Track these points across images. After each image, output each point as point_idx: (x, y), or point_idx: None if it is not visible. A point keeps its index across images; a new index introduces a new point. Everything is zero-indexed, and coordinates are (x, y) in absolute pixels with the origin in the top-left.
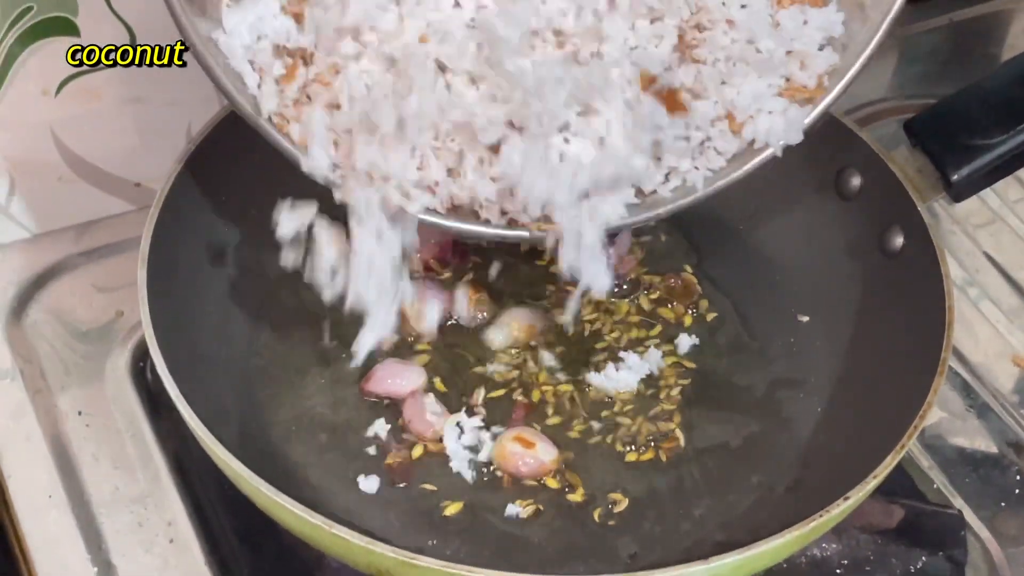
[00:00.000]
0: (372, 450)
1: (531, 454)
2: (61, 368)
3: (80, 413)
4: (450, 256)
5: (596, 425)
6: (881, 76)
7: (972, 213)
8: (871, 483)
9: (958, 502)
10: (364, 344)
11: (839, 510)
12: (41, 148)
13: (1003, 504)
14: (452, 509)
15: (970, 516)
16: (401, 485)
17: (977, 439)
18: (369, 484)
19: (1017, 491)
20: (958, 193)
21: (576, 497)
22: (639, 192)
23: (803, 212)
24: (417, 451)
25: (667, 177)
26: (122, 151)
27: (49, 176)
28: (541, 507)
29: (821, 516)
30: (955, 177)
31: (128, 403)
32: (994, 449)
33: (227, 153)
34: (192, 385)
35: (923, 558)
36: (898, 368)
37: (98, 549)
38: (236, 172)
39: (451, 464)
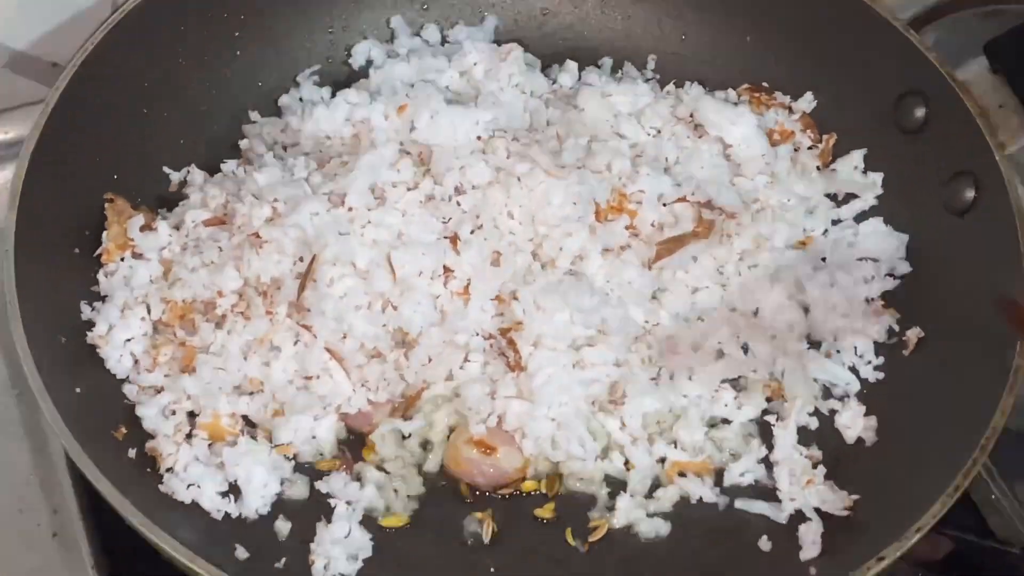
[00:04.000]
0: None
1: (491, 461)
2: None
3: None
4: None
5: None
6: None
7: None
8: (913, 539)
9: (1018, 517)
10: None
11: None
12: None
13: None
14: (392, 522)
15: None
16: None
17: None
18: (299, 490)
19: None
20: None
21: (545, 513)
22: None
23: (851, 143)
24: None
25: None
26: (36, 25)
27: None
28: (500, 525)
29: None
30: None
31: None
32: None
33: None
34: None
35: None
36: (955, 361)
37: None
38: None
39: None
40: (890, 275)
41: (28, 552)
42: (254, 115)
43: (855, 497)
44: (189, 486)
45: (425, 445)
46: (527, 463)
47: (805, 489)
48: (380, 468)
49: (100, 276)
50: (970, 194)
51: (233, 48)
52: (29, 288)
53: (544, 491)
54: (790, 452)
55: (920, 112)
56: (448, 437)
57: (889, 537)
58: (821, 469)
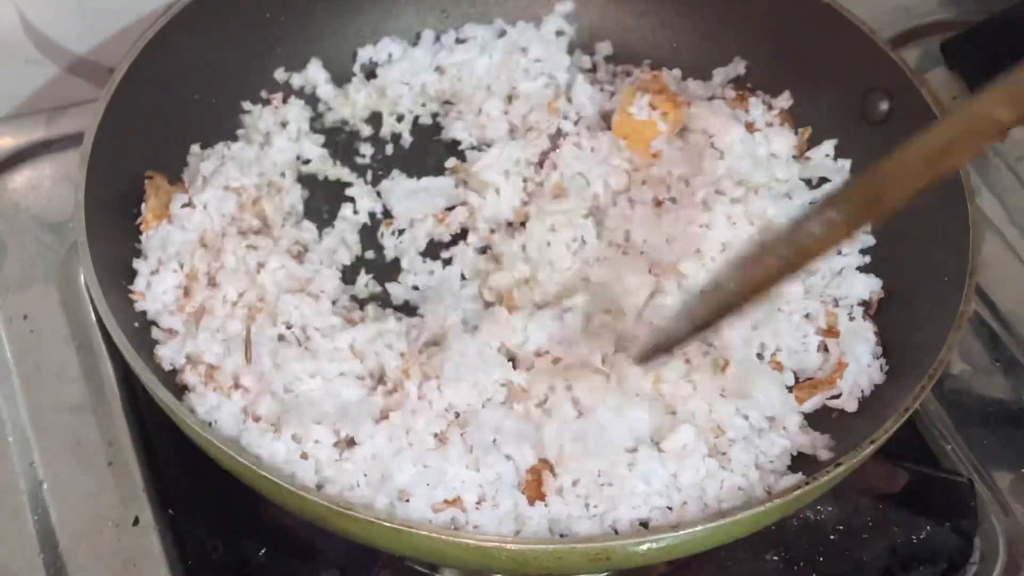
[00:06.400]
0: None
1: None
2: (16, 265)
3: (25, 317)
4: None
5: None
6: None
7: (1018, 144)
8: (867, 450)
9: (973, 465)
10: None
11: (827, 478)
12: (5, 27)
13: (1022, 471)
14: None
15: (986, 482)
16: None
17: (1002, 396)
18: None
19: None
20: None
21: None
22: None
23: (823, 134)
24: None
25: None
26: (95, 32)
27: (14, 58)
28: None
29: (808, 484)
30: None
31: (80, 310)
32: (1020, 408)
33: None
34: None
35: (927, 528)
36: (913, 316)
37: (29, 466)
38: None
39: None
40: (861, 251)
41: (85, 479)
42: (246, 104)
43: (826, 437)
44: (206, 411)
45: None
46: None
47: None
48: None
49: (143, 237)
50: None
51: (273, 46)
52: (96, 234)
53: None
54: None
55: (884, 105)
56: None
57: (846, 449)
58: (800, 417)
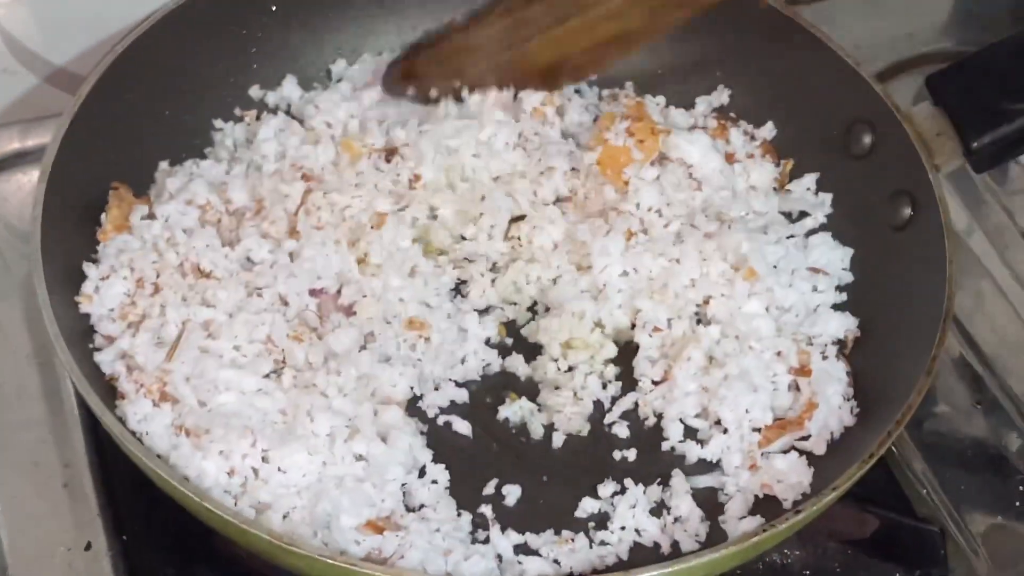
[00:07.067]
0: None
1: None
2: None
3: None
4: None
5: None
6: (937, 14)
7: (1015, 178)
8: (829, 496)
9: (947, 510)
10: None
11: (787, 525)
12: None
13: (999, 518)
14: None
15: (960, 528)
16: None
17: (981, 440)
18: None
19: (1018, 504)
20: (979, 162)
21: None
22: None
23: (805, 167)
24: None
25: None
26: (74, 42)
27: None
28: None
29: (764, 531)
30: (975, 144)
31: (43, 327)
32: (999, 453)
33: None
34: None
35: (897, 574)
36: (888, 358)
37: None
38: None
39: None
40: (838, 288)
41: (40, 500)
42: (217, 122)
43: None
44: (139, 420)
45: None
46: None
47: (750, 472)
48: None
49: (99, 247)
50: (907, 211)
51: (249, 62)
52: (54, 250)
53: None
54: (740, 439)
55: (867, 139)
56: None
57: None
58: (768, 457)
